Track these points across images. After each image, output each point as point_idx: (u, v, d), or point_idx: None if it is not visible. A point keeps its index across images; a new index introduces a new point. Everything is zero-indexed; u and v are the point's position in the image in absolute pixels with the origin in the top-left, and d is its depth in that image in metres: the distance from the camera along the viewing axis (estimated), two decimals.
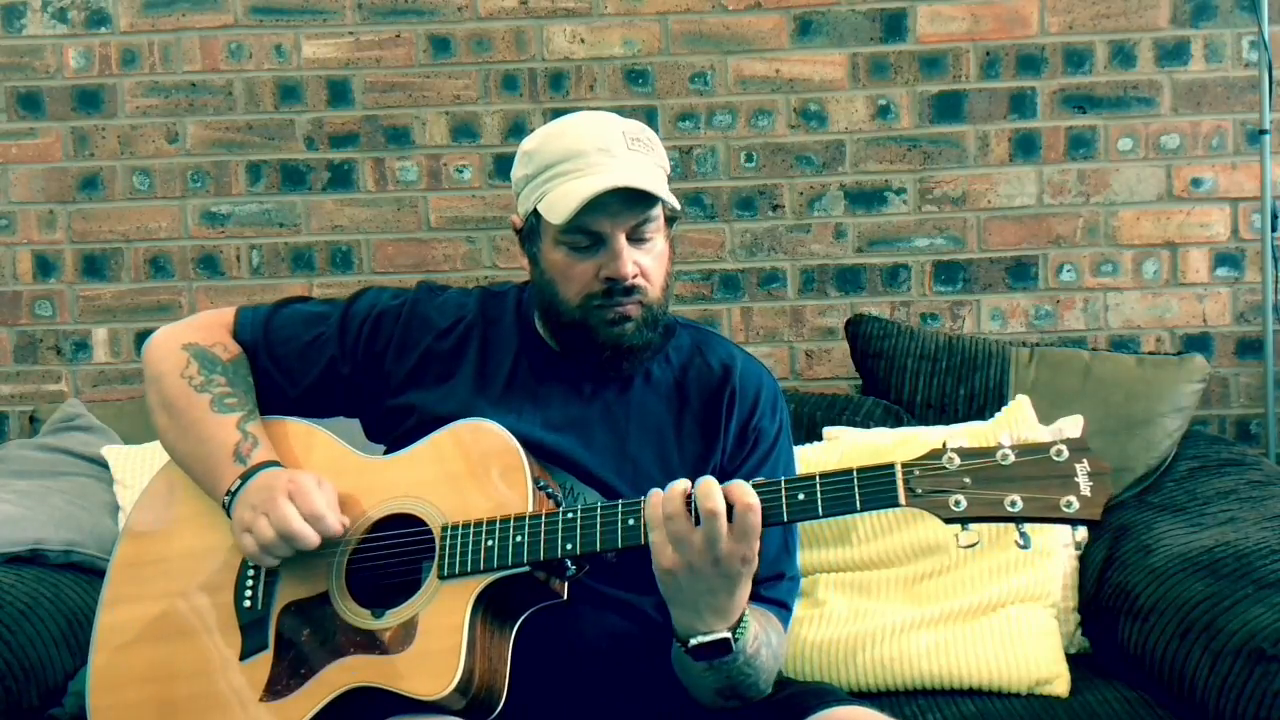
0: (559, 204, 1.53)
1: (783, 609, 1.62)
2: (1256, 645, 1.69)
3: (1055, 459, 1.29)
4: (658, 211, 1.57)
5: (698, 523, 1.35)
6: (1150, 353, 2.63)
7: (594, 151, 1.54)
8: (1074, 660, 2.06)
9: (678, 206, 1.60)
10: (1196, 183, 2.81)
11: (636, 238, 1.56)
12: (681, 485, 1.38)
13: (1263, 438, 2.79)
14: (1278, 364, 2.75)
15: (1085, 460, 1.29)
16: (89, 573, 2.20)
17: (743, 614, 1.42)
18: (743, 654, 1.43)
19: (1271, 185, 2.71)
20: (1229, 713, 1.69)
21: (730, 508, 1.35)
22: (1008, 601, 2.04)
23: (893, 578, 2.13)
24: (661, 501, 1.38)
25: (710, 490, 1.36)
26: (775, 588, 1.60)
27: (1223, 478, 2.32)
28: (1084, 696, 1.94)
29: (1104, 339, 2.83)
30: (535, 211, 1.58)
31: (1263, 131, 2.69)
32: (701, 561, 1.36)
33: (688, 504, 1.37)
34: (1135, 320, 2.84)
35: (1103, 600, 2.09)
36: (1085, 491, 1.28)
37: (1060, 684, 1.97)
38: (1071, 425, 2.30)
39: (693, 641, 1.41)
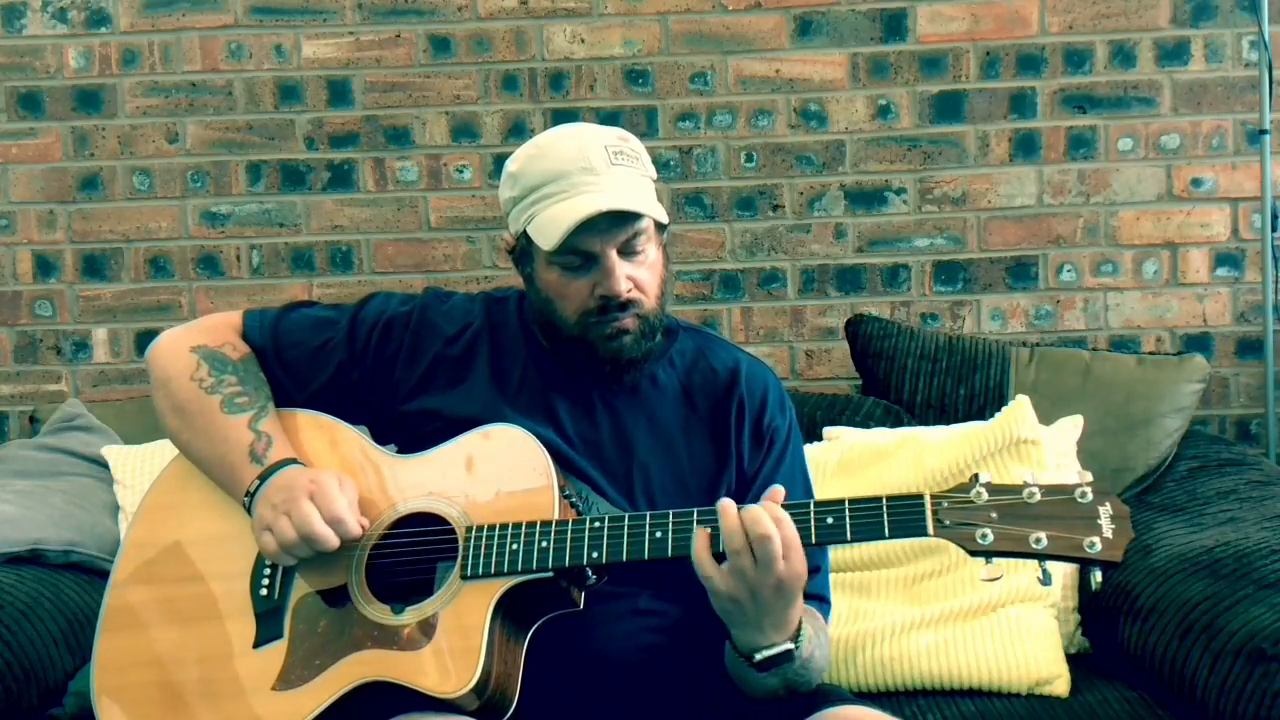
0: (547, 228, 1.54)
1: (822, 603, 1.65)
2: (1256, 645, 1.69)
3: (1079, 500, 1.34)
4: (647, 223, 1.57)
5: (752, 553, 1.38)
6: (1150, 353, 2.64)
7: (577, 171, 1.54)
8: (1074, 660, 2.06)
9: (665, 220, 1.60)
10: (1196, 183, 2.81)
11: (628, 251, 1.57)
12: (735, 520, 1.39)
13: (1263, 438, 2.79)
14: (1278, 364, 2.76)
15: (1108, 503, 1.34)
16: (89, 573, 2.20)
17: (799, 620, 1.45)
18: (799, 658, 1.46)
19: (1271, 185, 2.71)
20: (1229, 713, 1.69)
21: None
22: (1007, 601, 2.04)
23: (893, 578, 2.13)
24: (724, 538, 1.38)
25: (759, 516, 1.38)
26: (813, 581, 1.61)
27: (1223, 478, 2.32)
28: (1084, 696, 1.94)
29: (1104, 339, 2.84)
30: (525, 233, 1.59)
31: (1263, 131, 2.69)
32: (762, 587, 1.38)
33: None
34: (1135, 320, 2.84)
35: (1103, 600, 2.09)
36: (1107, 533, 1.32)
37: (1060, 684, 1.97)
38: (1071, 425, 2.30)
39: (758, 657, 1.44)
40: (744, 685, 1.53)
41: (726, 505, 1.40)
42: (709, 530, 1.42)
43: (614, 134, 1.60)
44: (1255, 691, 1.66)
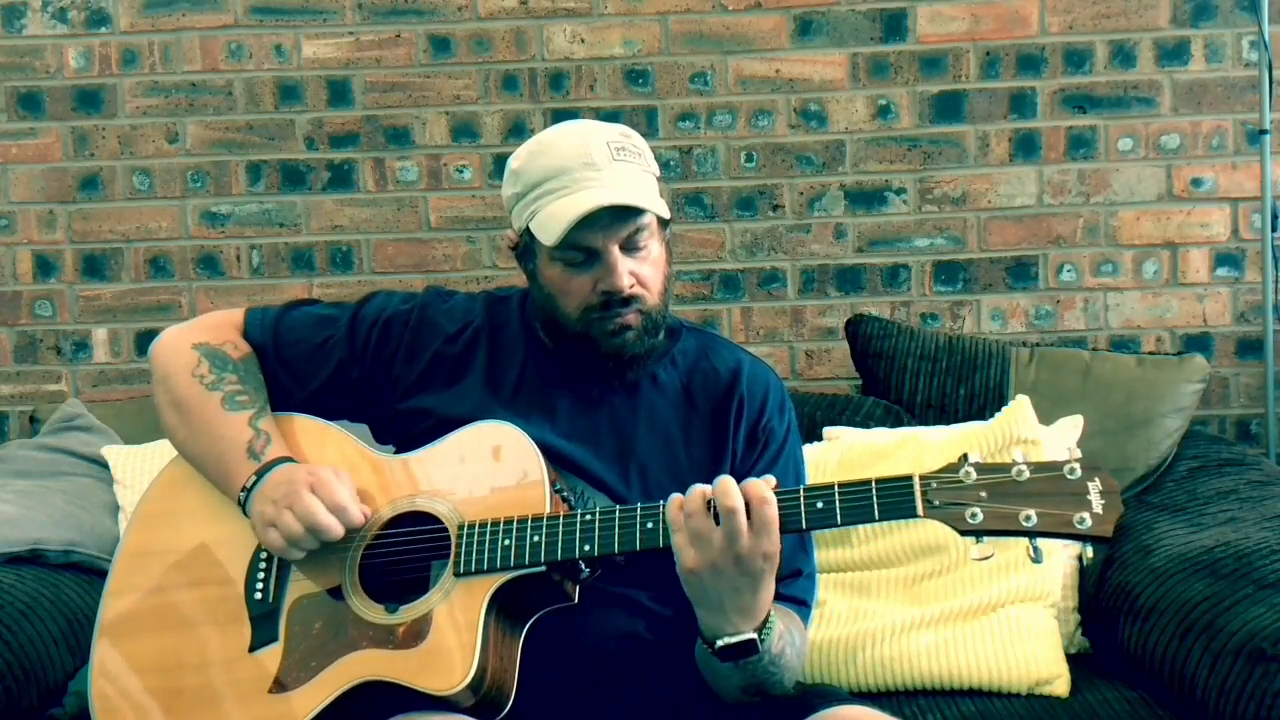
0: (549, 224, 1.54)
1: (802, 606, 1.63)
2: (1256, 645, 1.69)
3: (1068, 476, 1.33)
4: (649, 218, 1.57)
5: (717, 522, 1.37)
6: (1150, 353, 2.63)
7: (579, 167, 1.54)
8: (1074, 660, 2.06)
9: (667, 215, 1.60)
10: (1196, 183, 2.81)
11: (630, 247, 1.57)
12: (702, 487, 1.40)
13: (1263, 438, 2.79)
14: (1278, 364, 2.76)
15: (1097, 478, 1.33)
16: (89, 573, 2.20)
17: (768, 614, 1.44)
18: (768, 654, 1.45)
19: (1271, 185, 2.71)
20: (1229, 713, 1.69)
21: (747, 504, 1.37)
22: (1008, 601, 2.04)
23: (893, 578, 2.13)
24: (682, 502, 1.40)
25: (728, 488, 1.38)
26: (793, 585, 1.62)
27: (1223, 478, 2.32)
28: (1084, 696, 1.94)
29: (1104, 339, 2.84)
30: (528, 229, 1.59)
31: (1263, 131, 2.69)
32: (724, 560, 1.37)
33: (707, 504, 1.39)
34: (1135, 320, 2.84)
35: (1103, 600, 2.09)
36: (1097, 509, 1.31)
37: (1060, 684, 1.97)
38: (1071, 425, 2.30)
39: (719, 643, 1.43)
40: (713, 684, 1.53)
41: (697, 486, 1.41)
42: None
43: (616, 130, 1.60)
44: (1255, 691, 1.66)
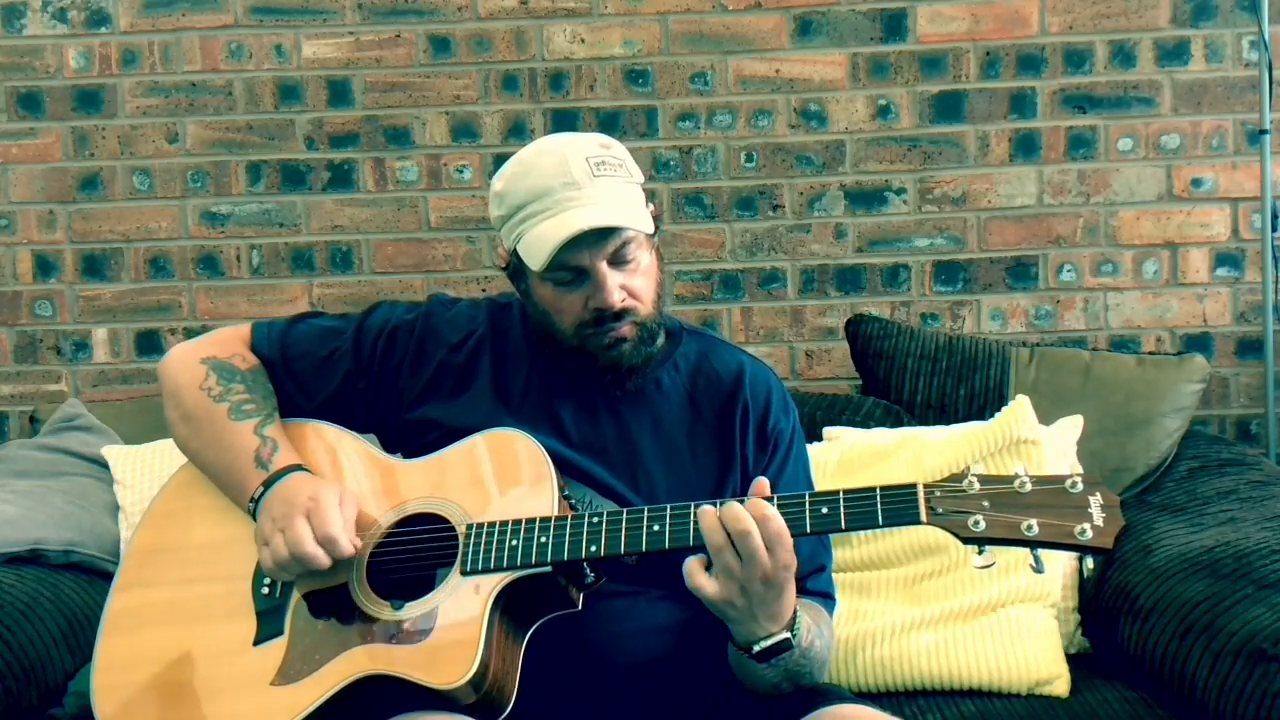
0: (534, 248, 1.54)
1: (827, 599, 1.67)
2: (1256, 645, 1.69)
3: (1070, 490, 1.36)
4: (635, 230, 1.57)
5: (736, 550, 1.39)
6: (1150, 353, 2.63)
7: (560, 187, 1.54)
8: (1074, 660, 2.06)
9: (650, 229, 1.60)
10: (1196, 183, 2.81)
11: (618, 261, 1.57)
12: (714, 519, 1.40)
13: (1263, 438, 2.79)
14: (1278, 364, 2.76)
15: (1098, 492, 1.35)
16: (89, 573, 2.20)
17: (794, 610, 1.46)
18: (799, 648, 1.47)
19: (1271, 185, 2.71)
20: (1229, 713, 1.69)
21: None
22: (1008, 601, 2.04)
23: (893, 578, 2.13)
24: (705, 537, 1.40)
25: (737, 514, 1.39)
26: (817, 580, 1.65)
27: (1223, 478, 2.32)
28: (1084, 696, 1.94)
29: (1104, 339, 2.84)
30: (516, 251, 1.60)
31: (1263, 131, 2.69)
32: (749, 581, 1.39)
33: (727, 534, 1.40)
34: (1135, 320, 2.84)
35: (1103, 600, 2.09)
36: (1098, 521, 1.33)
37: (1060, 684, 1.97)
38: (1071, 425, 2.30)
39: (756, 648, 1.45)
40: (746, 680, 1.54)
41: (705, 509, 1.41)
42: (703, 559, 1.43)
43: (595, 142, 1.60)
44: (1255, 691, 1.66)
